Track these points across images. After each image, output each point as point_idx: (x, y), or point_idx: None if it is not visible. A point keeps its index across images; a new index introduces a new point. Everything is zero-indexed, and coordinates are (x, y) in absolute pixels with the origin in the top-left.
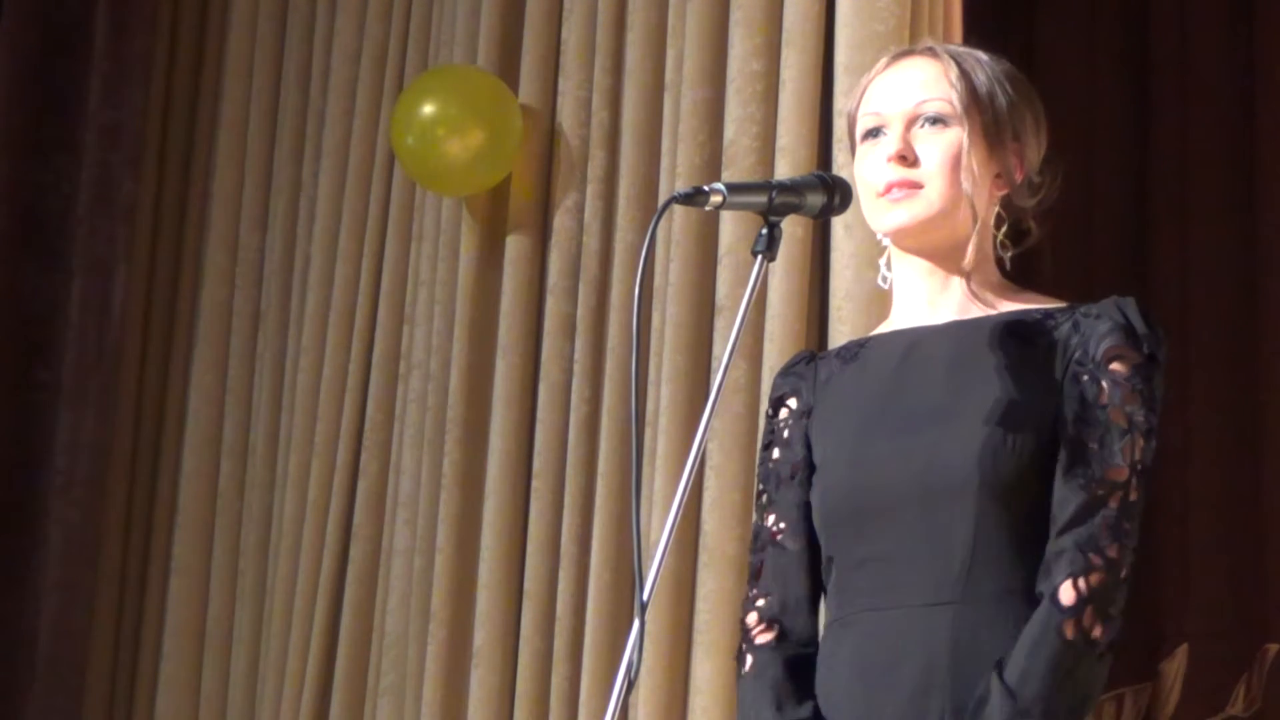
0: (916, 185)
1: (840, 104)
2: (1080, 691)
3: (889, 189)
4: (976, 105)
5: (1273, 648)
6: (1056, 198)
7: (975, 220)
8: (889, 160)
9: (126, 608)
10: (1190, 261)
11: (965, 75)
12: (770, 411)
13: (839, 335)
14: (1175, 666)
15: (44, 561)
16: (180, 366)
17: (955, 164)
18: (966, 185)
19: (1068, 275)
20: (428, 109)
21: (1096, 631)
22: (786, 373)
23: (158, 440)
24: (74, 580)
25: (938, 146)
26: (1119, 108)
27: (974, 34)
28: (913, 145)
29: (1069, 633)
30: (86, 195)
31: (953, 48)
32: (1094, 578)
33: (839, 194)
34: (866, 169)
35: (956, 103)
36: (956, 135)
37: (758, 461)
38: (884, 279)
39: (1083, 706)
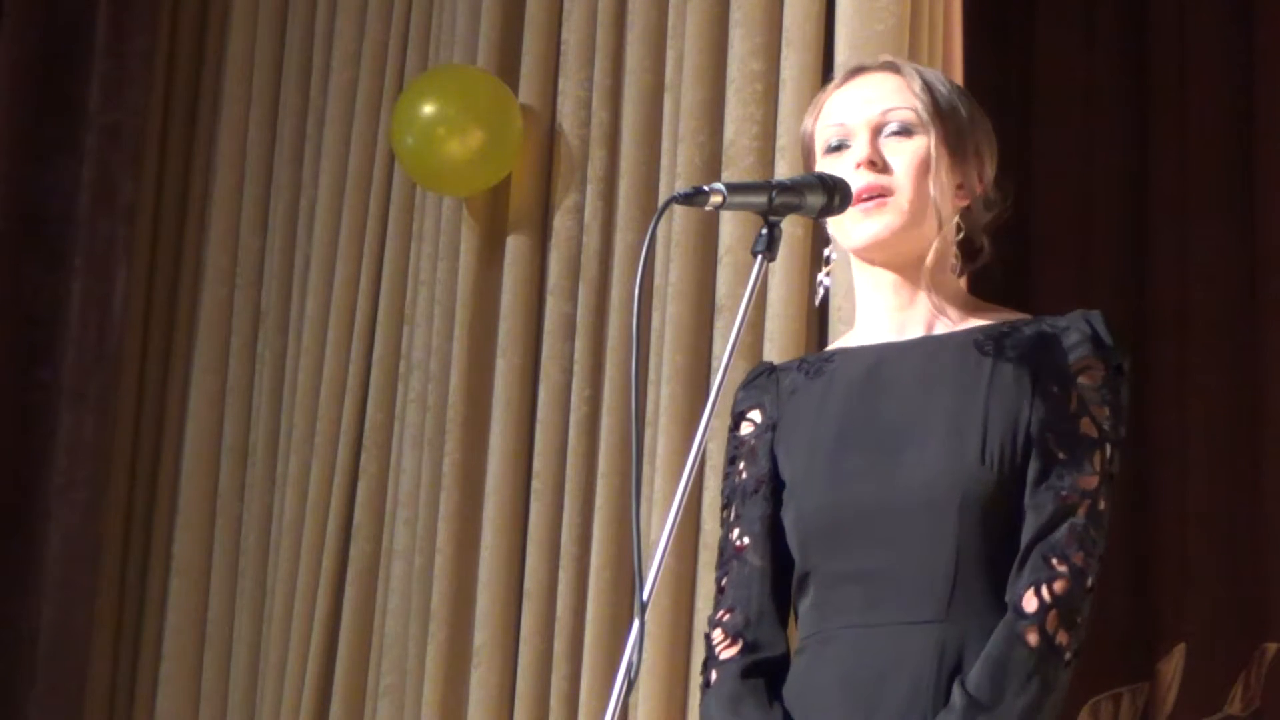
0: (887, 192)
1: None
2: (1045, 698)
3: (857, 197)
4: (939, 115)
5: (1271, 647)
6: (1009, 217)
7: (940, 225)
8: (858, 166)
9: (126, 608)
10: (1190, 261)
11: (928, 86)
12: (732, 425)
13: (839, 335)
14: (1173, 666)
15: (44, 562)
16: (180, 366)
17: (924, 171)
18: (934, 192)
19: (1068, 275)
20: (428, 109)
21: (1061, 638)
22: (748, 386)
23: (158, 440)
24: (74, 580)
25: (906, 154)
26: (1119, 107)
27: (974, 34)
28: (881, 150)
29: (1032, 639)
30: (87, 195)
31: (913, 66)
32: (1058, 585)
33: (839, 194)
34: None
35: (922, 112)
36: (923, 143)
37: (723, 475)
38: (820, 286)
39: (1048, 713)
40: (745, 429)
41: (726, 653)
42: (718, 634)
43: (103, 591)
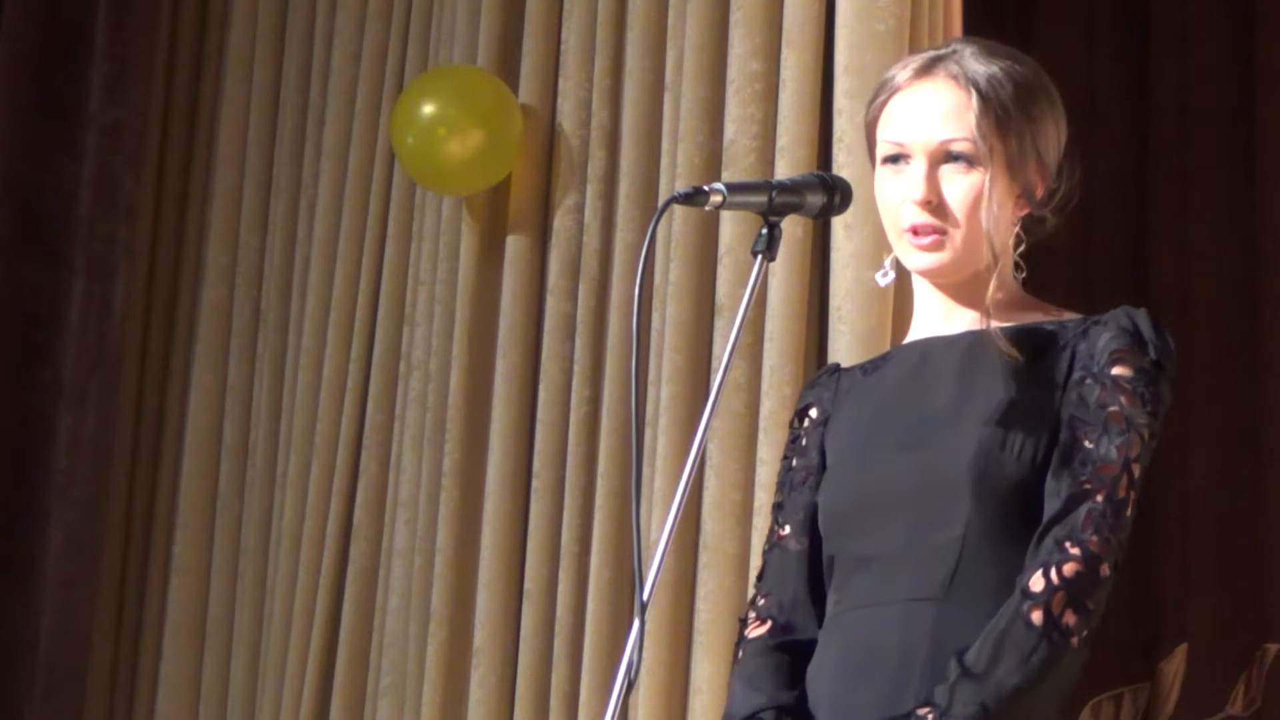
0: (941, 231)
1: (841, 104)
2: (1043, 677)
3: (912, 230)
4: (1001, 139)
5: (1272, 648)
6: (1076, 196)
7: (996, 259)
8: (915, 203)
9: (126, 608)
10: (1190, 261)
11: (990, 109)
12: (795, 422)
13: (839, 335)
14: (1174, 666)
15: (44, 561)
16: (180, 366)
17: (977, 207)
18: (988, 224)
19: (1068, 275)
20: (428, 109)
21: (1068, 619)
22: (812, 385)
23: (158, 440)
24: (74, 580)
25: (961, 189)
26: (1118, 107)
27: (974, 34)
28: (938, 187)
29: (1035, 618)
30: (87, 195)
31: (977, 67)
32: (1069, 567)
33: (839, 194)
34: (890, 197)
35: (980, 142)
36: (980, 178)
37: (779, 470)
38: (884, 274)
39: (1051, 694)
40: (803, 424)
41: (755, 632)
42: (750, 616)
43: (103, 591)
